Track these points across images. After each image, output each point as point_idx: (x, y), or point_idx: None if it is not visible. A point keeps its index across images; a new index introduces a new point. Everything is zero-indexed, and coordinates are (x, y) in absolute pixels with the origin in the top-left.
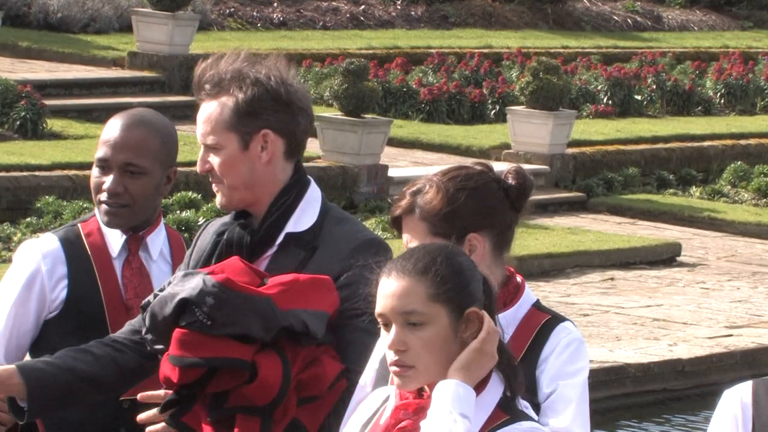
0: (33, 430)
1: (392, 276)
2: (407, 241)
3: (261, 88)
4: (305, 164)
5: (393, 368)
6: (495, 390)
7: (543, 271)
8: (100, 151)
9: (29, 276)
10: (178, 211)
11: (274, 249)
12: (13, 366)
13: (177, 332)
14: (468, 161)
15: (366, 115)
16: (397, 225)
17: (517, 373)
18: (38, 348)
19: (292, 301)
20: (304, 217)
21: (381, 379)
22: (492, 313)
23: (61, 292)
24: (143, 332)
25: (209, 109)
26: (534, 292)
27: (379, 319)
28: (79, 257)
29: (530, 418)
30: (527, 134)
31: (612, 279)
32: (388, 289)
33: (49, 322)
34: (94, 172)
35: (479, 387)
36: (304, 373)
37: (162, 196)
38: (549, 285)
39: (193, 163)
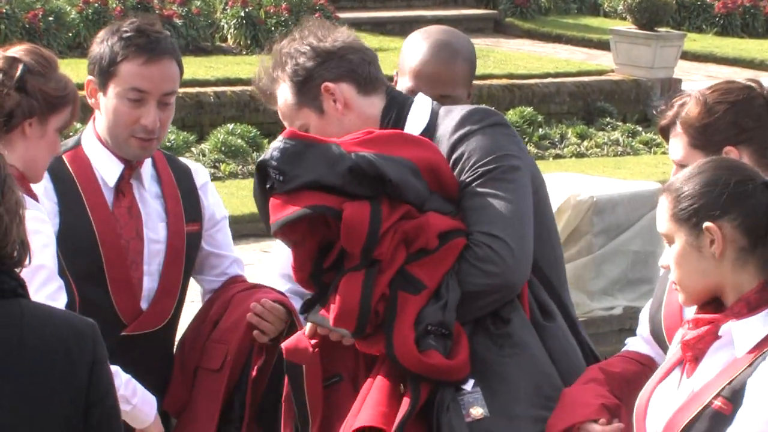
0: None
1: (660, 195)
2: (671, 152)
3: (295, 56)
4: (599, 77)
5: (672, 285)
6: None
7: None
8: (404, 80)
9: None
10: None
11: None
12: None
13: (270, 201)
14: (762, 76)
15: (660, 29)
16: (664, 135)
17: None
18: None
19: (361, 146)
20: (417, 121)
21: None
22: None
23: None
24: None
25: (279, 105)
26: None
27: None
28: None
29: None
30: None
31: None
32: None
33: None
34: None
35: (761, 304)
36: (407, 223)
37: None
38: None
39: (481, 76)
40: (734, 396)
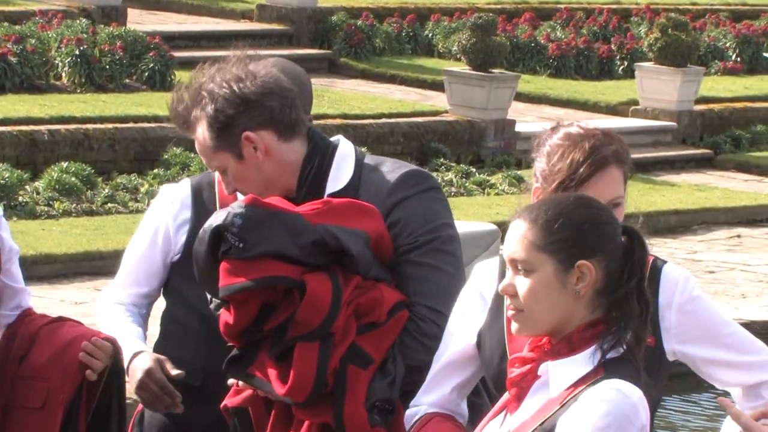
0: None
1: (514, 221)
2: (613, 188)
3: (219, 98)
4: (433, 118)
5: (509, 312)
6: (606, 346)
7: (669, 227)
8: None
9: (157, 218)
10: None
11: None
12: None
13: (222, 264)
14: (595, 117)
15: (494, 70)
16: (594, 170)
17: (637, 327)
18: (167, 291)
19: (324, 218)
20: (340, 175)
21: None
22: (635, 266)
23: (182, 237)
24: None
25: (196, 141)
26: (660, 248)
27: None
28: (206, 204)
29: (627, 378)
30: (655, 90)
31: (738, 236)
32: (508, 233)
33: (174, 265)
34: None
35: (582, 343)
36: (362, 297)
37: None
38: (675, 242)
39: (315, 116)
40: None
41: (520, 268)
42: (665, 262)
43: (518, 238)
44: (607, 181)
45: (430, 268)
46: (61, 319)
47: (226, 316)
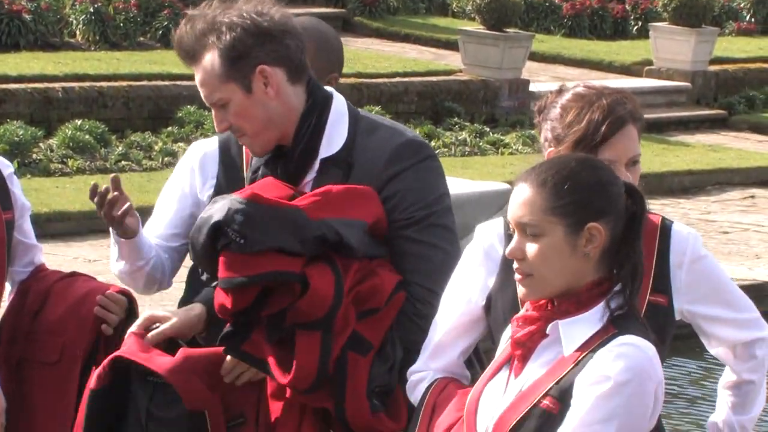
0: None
1: (518, 183)
2: (631, 147)
3: (238, 28)
4: (447, 77)
5: (516, 276)
6: (612, 304)
7: (683, 188)
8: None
9: (184, 170)
10: None
11: (313, 175)
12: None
13: (221, 256)
14: (609, 77)
15: (508, 29)
16: (612, 131)
17: (635, 283)
18: None
19: (323, 211)
20: (335, 136)
21: None
22: (637, 225)
23: (208, 191)
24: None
25: (201, 71)
26: (674, 209)
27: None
28: (232, 160)
29: (638, 333)
30: (669, 51)
31: (752, 197)
32: (513, 196)
33: None
34: None
35: (589, 301)
36: (362, 285)
37: None
38: (689, 202)
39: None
40: (562, 395)
41: (528, 232)
42: (672, 221)
43: (526, 201)
44: (626, 140)
45: (427, 245)
46: (74, 275)
47: (222, 298)
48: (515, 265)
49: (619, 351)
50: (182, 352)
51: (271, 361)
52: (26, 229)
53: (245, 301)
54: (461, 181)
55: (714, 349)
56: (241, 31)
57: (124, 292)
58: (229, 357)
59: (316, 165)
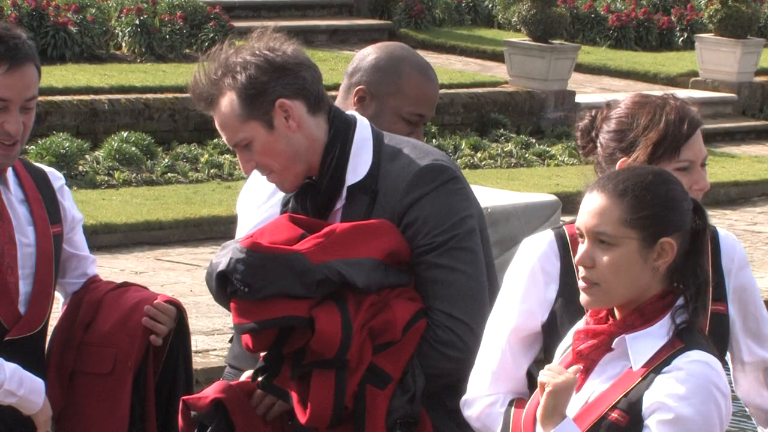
0: None
1: (593, 192)
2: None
3: (252, 66)
4: (493, 89)
5: (580, 283)
6: (677, 317)
7: (729, 199)
8: (417, 108)
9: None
10: None
11: (341, 203)
12: None
13: (232, 302)
14: (655, 88)
15: (554, 41)
16: (689, 135)
17: (704, 299)
18: None
19: (326, 254)
20: (360, 163)
21: None
22: (702, 240)
23: None
24: None
25: (221, 114)
26: (720, 220)
27: (576, 231)
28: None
29: (706, 349)
30: (715, 62)
31: None
32: (586, 204)
33: None
34: (398, 124)
35: (655, 314)
36: (375, 319)
37: None
38: (735, 213)
39: None
40: (630, 408)
41: (603, 241)
42: (714, 226)
43: (602, 211)
44: (700, 141)
45: (447, 270)
46: (125, 285)
47: (246, 339)
48: (582, 273)
49: (692, 369)
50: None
51: (294, 397)
52: (77, 241)
53: (265, 341)
54: (508, 193)
55: (742, 379)
56: (255, 68)
57: (172, 302)
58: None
59: (344, 193)
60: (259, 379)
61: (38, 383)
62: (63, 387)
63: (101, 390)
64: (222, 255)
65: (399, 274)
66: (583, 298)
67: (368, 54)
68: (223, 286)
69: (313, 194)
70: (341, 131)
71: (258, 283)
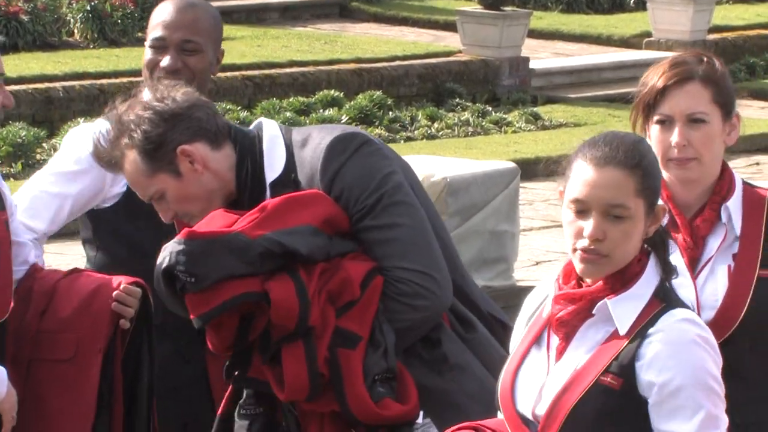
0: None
1: (597, 163)
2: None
3: (145, 121)
4: (447, 59)
5: (584, 255)
6: (652, 277)
7: None
8: (156, 32)
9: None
10: (321, 110)
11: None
12: None
13: (185, 299)
14: (609, 51)
15: (505, 8)
16: (676, 86)
17: (667, 254)
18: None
19: (262, 228)
20: (275, 159)
21: None
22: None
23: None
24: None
25: (128, 173)
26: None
27: (573, 204)
28: None
29: (685, 306)
30: (668, 21)
31: (757, 164)
32: (593, 176)
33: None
34: (148, 53)
35: (633, 276)
36: (330, 283)
37: (213, 75)
38: None
39: (328, 62)
40: (622, 371)
41: (615, 213)
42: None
43: (618, 184)
44: (687, 96)
45: (388, 228)
46: (76, 271)
47: (210, 337)
48: (587, 245)
49: (679, 328)
50: None
51: (270, 379)
52: (16, 228)
53: (229, 333)
54: (466, 162)
55: None
56: (149, 123)
57: (138, 283)
58: None
59: (268, 191)
60: (235, 374)
61: (1, 372)
62: (20, 377)
63: (63, 376)
64: (161, 257)
65: (344, 242)
66: (586, 268)
67: None
68: (171, 285)
69: (240, 205)
70: (246, 146)
71: (202, 270)
